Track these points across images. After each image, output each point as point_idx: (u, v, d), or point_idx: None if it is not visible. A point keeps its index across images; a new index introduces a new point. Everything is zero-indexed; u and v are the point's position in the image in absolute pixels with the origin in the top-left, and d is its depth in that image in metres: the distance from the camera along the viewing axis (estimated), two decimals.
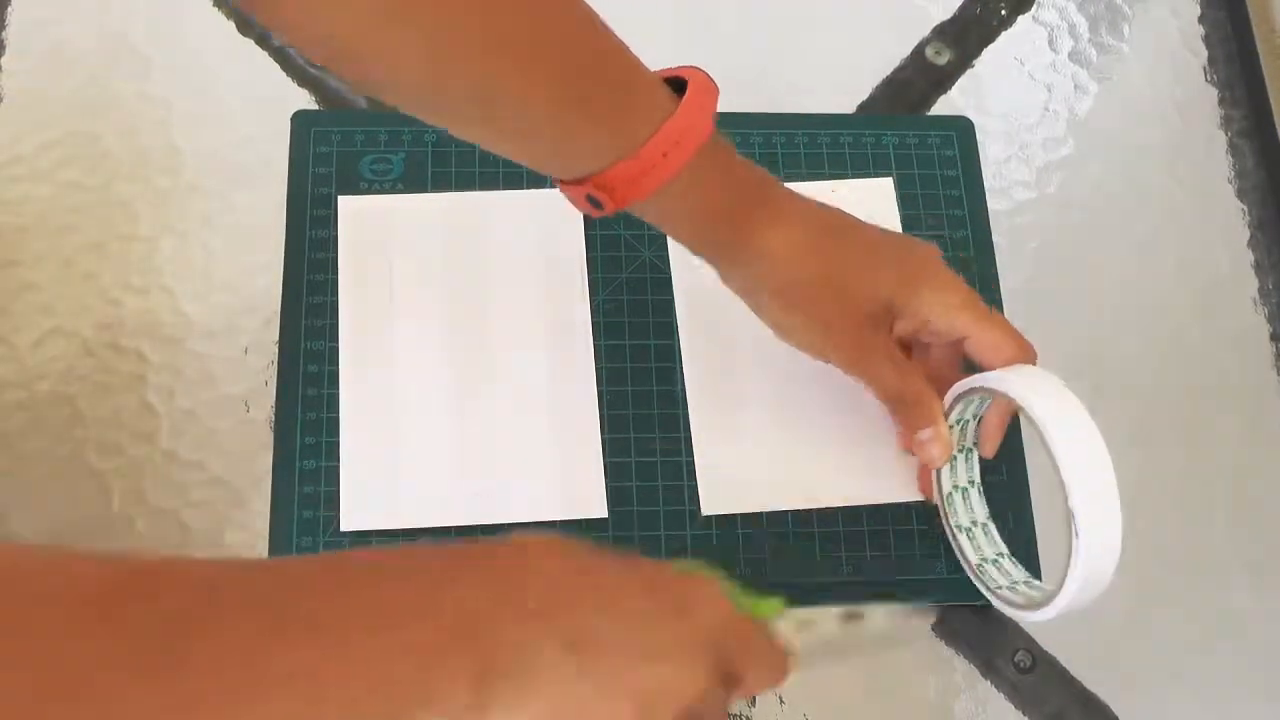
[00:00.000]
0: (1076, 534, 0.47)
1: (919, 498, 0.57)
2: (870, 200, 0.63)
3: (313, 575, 0.35)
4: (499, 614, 0.34)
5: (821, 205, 0.53)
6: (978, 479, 0.56)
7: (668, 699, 0.36)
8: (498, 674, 0.33)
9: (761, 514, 0.57)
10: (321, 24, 0.42)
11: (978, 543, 0.55)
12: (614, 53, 0.47)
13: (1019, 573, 0.54)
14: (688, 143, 0.46)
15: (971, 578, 0.55)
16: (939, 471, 0.55)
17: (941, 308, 0.52)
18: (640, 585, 0.38)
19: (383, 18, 0.41)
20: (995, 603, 0.54)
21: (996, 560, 0.55)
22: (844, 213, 0.53)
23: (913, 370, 0.53)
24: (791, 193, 0.52)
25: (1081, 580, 0.48)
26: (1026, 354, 0.52)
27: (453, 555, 0.37)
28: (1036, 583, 0.53)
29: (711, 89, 0.48)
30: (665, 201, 0.48)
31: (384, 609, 0.34)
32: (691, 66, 0.48)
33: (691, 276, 0.61)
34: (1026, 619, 0.52)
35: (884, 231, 0.55)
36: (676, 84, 0.48)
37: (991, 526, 0.56)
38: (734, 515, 0.56)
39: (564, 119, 0.45)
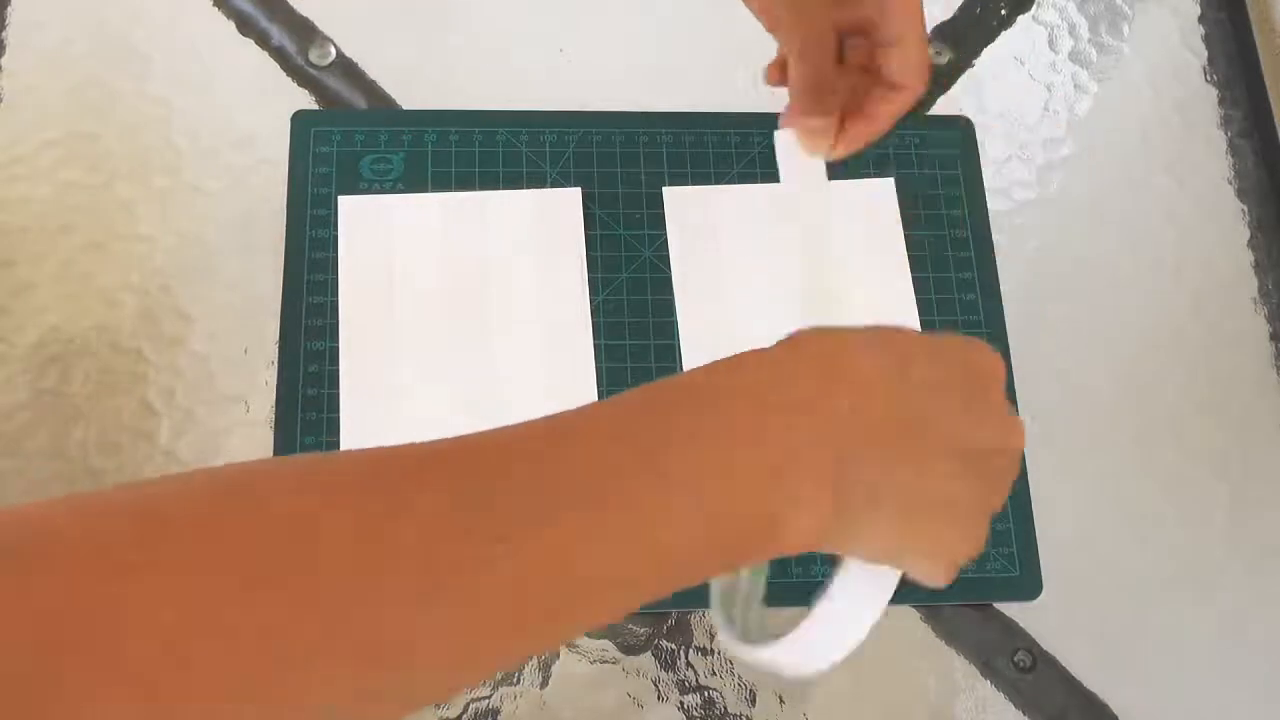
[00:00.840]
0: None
1: None
2: (870, 201, 0.63)
3: (636, 409, 0.33)
4: (830, 428, 0.33)
5: None
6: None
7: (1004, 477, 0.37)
8: (856, 478, 0.33)
9: None
10: None
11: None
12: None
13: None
14: None
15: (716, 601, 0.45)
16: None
17: (892, 39, 0.50)
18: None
19: None
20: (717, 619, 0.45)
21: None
22: None
23: (835, 60, 0.51)
24: None
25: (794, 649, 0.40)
26: (920, 89, 0.50)
27: (754, 382, 0.35)
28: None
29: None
30: None
31: (733, 426, 0.32)
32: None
33: (691, 277, 0.61)
34: (734, 647, 0.44)
35: None
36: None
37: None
38: None
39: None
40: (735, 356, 0.35)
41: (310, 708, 0.27)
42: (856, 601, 0.39)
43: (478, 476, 0.30)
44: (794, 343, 0.36)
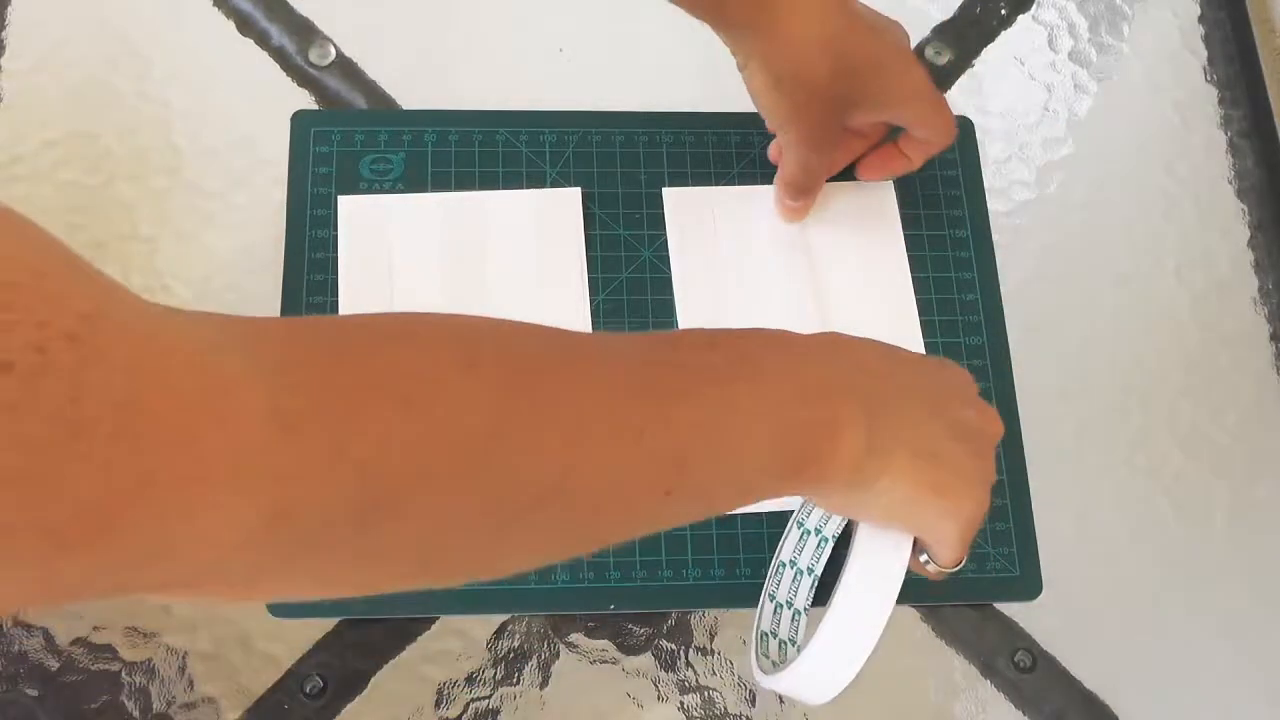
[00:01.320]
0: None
1: None
2: (870, 200, 0.63)
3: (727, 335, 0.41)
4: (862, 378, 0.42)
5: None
6: (819, 570, 0.54)
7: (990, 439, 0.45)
8: (878, 421, 0.41)
9: (762, 513, 0.56)
10: None
11: (780, 620, 0.53)
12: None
13: (788, 654, 0.52)
14: None
15: (753, 640, 0.53)
16: (783, 540, 0.54)
17: (917, 121, 0.59)
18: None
19: None
20: (754, 661, 0.52)
21: (782, 643, 0.52)
22: (858, 6, 0.55)
23: (831, 154, 0.60)
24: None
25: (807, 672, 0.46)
26: (950, 137, 0.59)
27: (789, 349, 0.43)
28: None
29: None
30: None
31: (791, 353, 0.42)
32: None
33: (691, 277, 0.61)
34: (760, 678, 0.50)
35: (881, 36, 0.56)
36: None
37: (803, 617, 0.53)
38: (734, 515, 0.56)
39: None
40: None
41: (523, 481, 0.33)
42: (873, 579, 0.45)
43: (657, 348, 0.40)
44: (803, 337, 0.44)
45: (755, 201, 0.63)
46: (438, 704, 0.53)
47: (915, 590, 0.56)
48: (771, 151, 0.63)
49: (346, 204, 0.61)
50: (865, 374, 0.42)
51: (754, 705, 0.55)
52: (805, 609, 0.53)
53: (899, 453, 0.42)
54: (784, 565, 0.54)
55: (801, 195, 0.61)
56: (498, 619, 0.55)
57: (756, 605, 0.54)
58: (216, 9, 0.65)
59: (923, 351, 0.60)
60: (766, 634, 0.53)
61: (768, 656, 0.51)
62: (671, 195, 0.63)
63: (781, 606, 0.53)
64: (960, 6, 0.70)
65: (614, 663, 0.55)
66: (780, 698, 0.55)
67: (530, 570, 0.39)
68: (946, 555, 0.45)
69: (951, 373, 0.47)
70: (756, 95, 0.56)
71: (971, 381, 0.47)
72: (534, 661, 0.54)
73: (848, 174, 0.63)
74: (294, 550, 0.29)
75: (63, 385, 0.23)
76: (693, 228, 0.62)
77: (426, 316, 0.35)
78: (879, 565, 0.44)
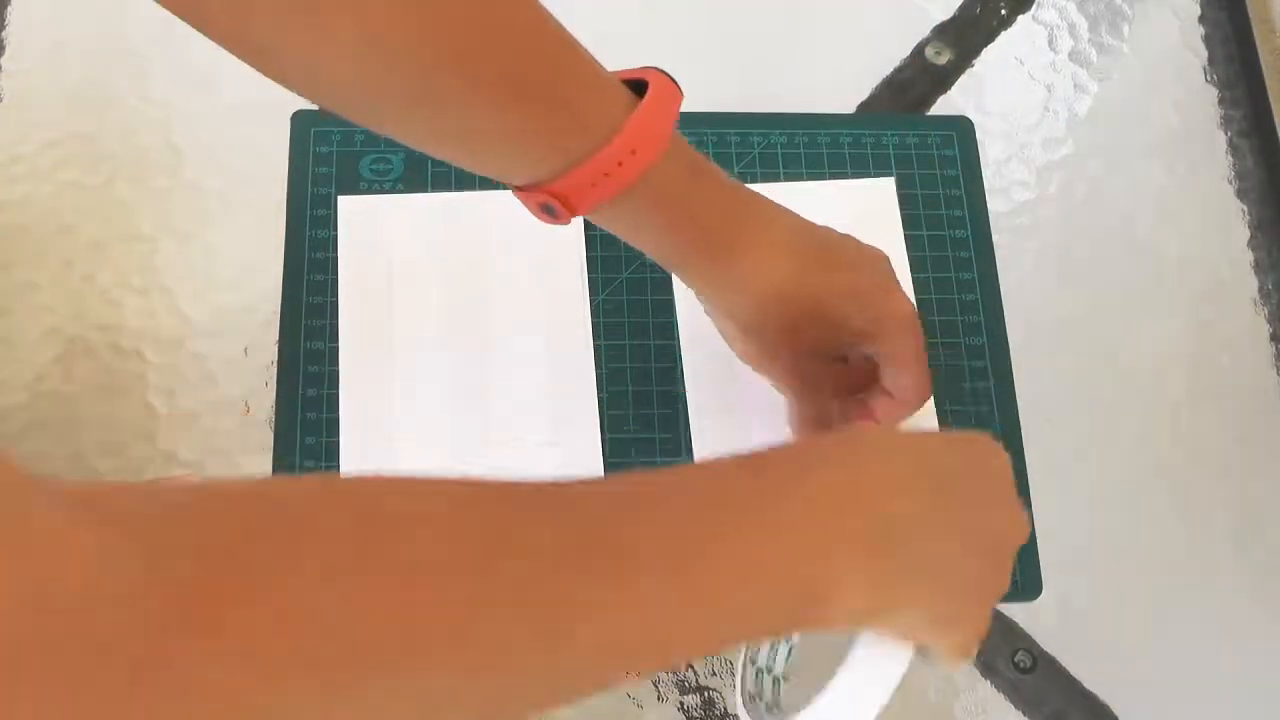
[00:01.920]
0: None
1: None
2: (871, 200, 0.63)
3: (697, 482, 0.37)
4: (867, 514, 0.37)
5: (803, 230, 0.49)
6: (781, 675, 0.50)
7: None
8: (884, 564, 0.37)
9: None
10: (239, 16, 0.40)
11: (762, 686, 0.49)
12: (566, 52, 0.44)
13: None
14: (645, 150, 0.43)
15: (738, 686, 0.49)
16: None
17: (890, 360, 0.51)
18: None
19: (308, 6, 0.39)
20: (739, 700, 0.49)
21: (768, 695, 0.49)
22: (826, 238, 0.50)
23: (825, 389, 0.53)
24: (770, 213, 0.49)
25: None
26: (920, 403, 0.51)
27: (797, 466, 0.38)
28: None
29: (674, 93, 0.45)
30: (628, 214, 0.45)
31: (779, 520, 0.36)
32: (653, 68, 0.45)
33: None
34: None
35: (854, 270, 0.50)
36: (637, 86, 0.45)
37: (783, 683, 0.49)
38: None
39: (509, 121, 0.43)
40: (774, 453, 0.39)
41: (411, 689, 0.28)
42: (868, 681, 0.41)
43: (579, 525, 0.32)
44: (821, 448, 0.40)
45: None
46: None
47: None
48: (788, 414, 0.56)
49: (346, 204, 0.61)
50: (877, 515, 0.37)
51: None
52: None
53: (915, 590, 0.38)
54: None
55: (820, 428, 0.54)
56: None
57: None
58: None
59: None
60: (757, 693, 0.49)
61: (758, 702, 0.49)
62: None
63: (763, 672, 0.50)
64: (960, 6, 0.70)
65: None
66: None
67: None
68: (951, 664, 0.42)
69: (983, 464, 0.42)
70: (726, 340, 0.52)
71: (1006, 467, 0.42)
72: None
73: (847, 172, 0.63)
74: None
75: None
76: None
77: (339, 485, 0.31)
78: (876, 671, 0.41)
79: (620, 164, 0.43)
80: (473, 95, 0.42)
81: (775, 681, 0.49)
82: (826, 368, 0.52)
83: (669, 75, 0.46)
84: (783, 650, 0.49)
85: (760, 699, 0.48)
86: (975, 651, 0.42)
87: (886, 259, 0.51)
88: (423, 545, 0.29)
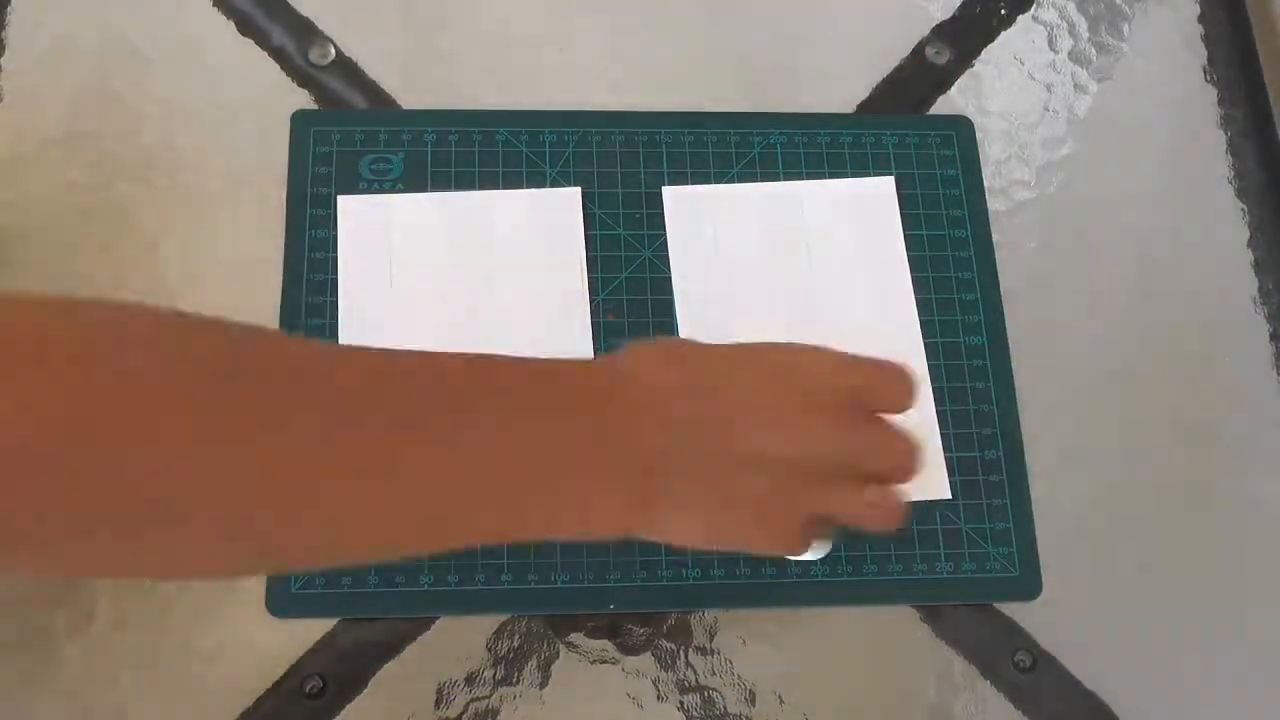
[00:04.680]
0: None
1: (921, 496, 0.57)
2: (870, 199, 0.63)
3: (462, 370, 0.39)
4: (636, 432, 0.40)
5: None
6: None
7: (775, 466, 0.41)
8: (651, 475, 0.39)
9: None
10: None
11: None
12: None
13: None
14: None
15: None
16: None
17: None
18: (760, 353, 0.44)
19: None
20: None
21: None
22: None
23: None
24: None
25: None
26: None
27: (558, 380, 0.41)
28: None
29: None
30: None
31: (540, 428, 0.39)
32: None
33: (690, 275, 0.61)
34: None
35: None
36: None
37: None
38: None
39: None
40: (559, 363, 0.41)
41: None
42: None
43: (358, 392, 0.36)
44: (610, 360, 0.43)
45: (754, 199, 0.63)
46: (437, 704, 0.53)
47: (915, 590, 0.56)
48: None
49: (346, 204, 0.61)
50: (644, 433, 0.39)
51: (754, 705, 0.55)
52: None
53: (687, 511, 0.40)
54: None
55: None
56: (498, 619, 0.55)
57: (756, 606, 0.54)
58: (216, 9, 0.65)
59: (920, 351, 0.60)
60: None
61: None
62: (671, 194, 0.63)
63: None
64: (960, 6, 0.70)
65: (614, 663, 0.55)
66: (780, 697, 0.55)
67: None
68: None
69: (793, 380, 0.43)
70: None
71: (822, 382, 0.43)
72: (534, 661, 0.54)
73: (847, 172, 0.64)
74: None
75: None
76: (692, 226, 0.62)
77: (126, 307, 0.33)
78: None
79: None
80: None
81: None
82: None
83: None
84: None
85: None
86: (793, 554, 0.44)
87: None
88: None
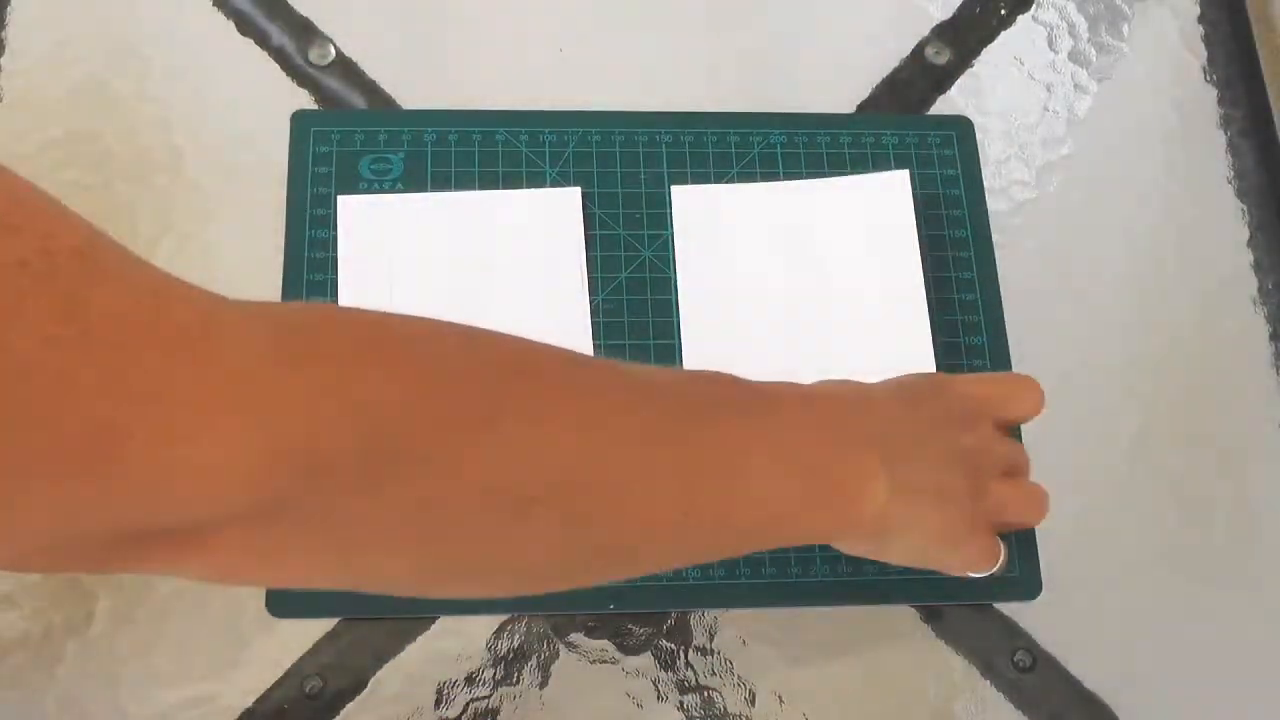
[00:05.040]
0: None
1: None
2: (884, 195, 0.63)
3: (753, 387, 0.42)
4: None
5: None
6: None
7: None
8: (899, 471, 0.42)
9: None
10: None
11: None
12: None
13: None
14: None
15: None
16: None
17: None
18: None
19: None
20: None
21: None
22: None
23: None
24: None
25: None
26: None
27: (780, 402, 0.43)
28: None
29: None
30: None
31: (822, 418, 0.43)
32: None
33: (696, 276, 0.61)
34: None
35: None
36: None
37: None
38: None
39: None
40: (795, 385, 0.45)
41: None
42: None
43: (676, 374, 0.43)
44: (826, 387, 0.46)
45: (763, 198, 0.63)
46: (437, 704, 0.53)
47: (915, 590, 0.56)
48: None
49: (346, 204, 0.61)
50: (886, 422, 0.43)
51: (754, 705, 0.55)
52: None
53: (919, 501, 0.43)
54: None
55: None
56: (497, 619, 0.55)
57: (756, 606, 0.54)
58: (216, 9, 0.65)
59: (931, 357, 0.60)
60: None
61: None
62: (680, 193, 0.62)
63: None
64: (960, 6, 0.70)
65: (614, 663, 0.55)
66: (780, 697, 0.55)
67: (531, 591, 0.38)
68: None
69: (947, 398, 0.48)
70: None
71: (962, 396, 0.49)
72: (534, 661, 0.54)
73: (846, 170, 0.63)
74: (298, 497, 0.28)
75: (72, 287, 0.23)
76: (699, 226, 0.62)
77: (429, 318, 0.35)
78: None
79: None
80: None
81: None
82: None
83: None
84: None
85: None
86: (989, 568, 0.49)
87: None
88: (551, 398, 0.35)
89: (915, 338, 0.60)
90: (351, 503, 0.30)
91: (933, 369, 0.60)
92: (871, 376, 0.49)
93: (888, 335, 0.60)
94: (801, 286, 0.61)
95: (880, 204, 0.63)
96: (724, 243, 0.62)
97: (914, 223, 0.62)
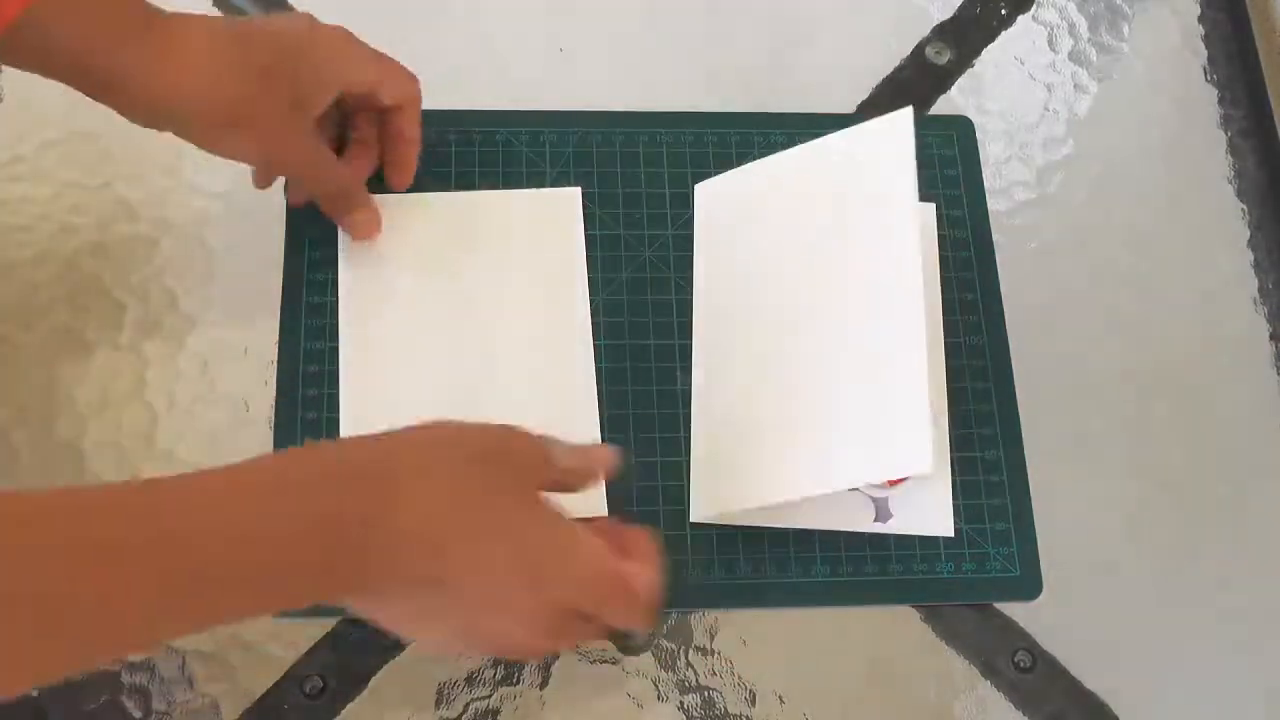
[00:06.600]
0: None
1: (924, 532, 0.57)
2: (886, 141, 0.57)
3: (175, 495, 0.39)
4: (371, 531, 0.40)
5: (223, 20, 0.53)
6: None
7: (504, 643, 0.46)
8: (369, 573, 0.40)
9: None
10: None
11: None
12: None
13: None
14: None
15: None
16: None
17: (353, 66, 0.56)
18: (509, 540, 0.43)
19: None
20: None
21: None
22: (249, 23, 0.54)
23: (338, 163, 0.57)
24: (184, 16, 0.50)
25: None
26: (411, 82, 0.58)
27: (325, 470, 0.41)
28: None
29: None
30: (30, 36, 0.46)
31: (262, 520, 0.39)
32: None
33: (707, 280, 0.61)
34: None
35: (304, 29, 0.54)
36: None
37: None
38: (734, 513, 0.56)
39: None
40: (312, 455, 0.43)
41: None
42: None
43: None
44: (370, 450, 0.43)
45: (773, 171, 0.61)
46: (437, 704, 0.53)
47: (916, 590, 0.56)
48: (290, 197, 0.60)
49: None
50: (396, 524, 0.40)
51: (754, 705, 0.55)
52: None
53: (416, 601, 0.42)
54: None
55: (349, 205, 0.58)
56: None
57: (756, 606, 0.54)
58: (216, 9, 0.65)
59: (922, 334, 0.55)
60: None
61: None
62: (701, 190, 0.62)
63: None
64: (960, 6, 0.70)
65: (614, 663, 0.55)
66: (781, 697, 0.55)
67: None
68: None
69: (521, 464, 0.46)
70: (207, 145, 0.53)
71: (538, 462, 0.47)
72: (534, 661, 0.54)
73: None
74: None
75: None
76: (721, 224, 0.61)
77: None
78: None
79: None
80: None
81: None
82: (310, 136, 0.55)
83: None
84: None
85: None
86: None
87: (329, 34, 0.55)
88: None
89: (909, 320, 0.55)
90: None
91: (933, 361, 0.58)
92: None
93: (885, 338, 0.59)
94: (811, 276, 0.58)
95: (882, 148, 0.57)
96: (741, 241, 0.60)
97: (913, 167, 0.55)
